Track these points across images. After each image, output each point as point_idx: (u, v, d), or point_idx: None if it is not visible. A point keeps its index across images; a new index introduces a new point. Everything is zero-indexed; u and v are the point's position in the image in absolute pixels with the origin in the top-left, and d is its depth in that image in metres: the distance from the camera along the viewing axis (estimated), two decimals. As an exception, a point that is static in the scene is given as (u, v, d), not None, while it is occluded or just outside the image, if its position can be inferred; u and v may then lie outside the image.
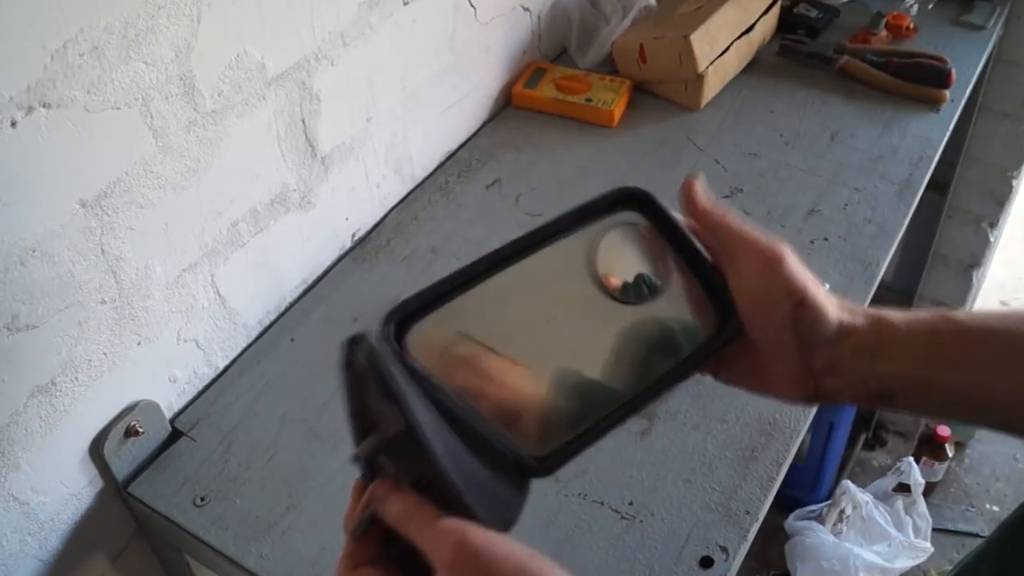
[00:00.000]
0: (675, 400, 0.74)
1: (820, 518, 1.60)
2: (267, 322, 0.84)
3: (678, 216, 0.45)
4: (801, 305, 0.42)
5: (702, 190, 0.45)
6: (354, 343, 0.38)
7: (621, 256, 0.44)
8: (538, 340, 0.44)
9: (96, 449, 0.69)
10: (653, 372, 0.44)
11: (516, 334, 0.43)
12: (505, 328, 0.43)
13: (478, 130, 1.05)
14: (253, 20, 0.70)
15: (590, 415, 0.42)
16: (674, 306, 0.45)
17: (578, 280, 0.44)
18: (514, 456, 0.41)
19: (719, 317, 0.44)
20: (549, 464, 0.41)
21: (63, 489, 0.68)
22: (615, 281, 0.44)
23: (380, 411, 0.38)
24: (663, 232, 0.45)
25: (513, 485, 0.41)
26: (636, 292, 0.44)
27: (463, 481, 0.38)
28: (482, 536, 0.37)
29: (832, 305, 0.43)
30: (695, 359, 0.44)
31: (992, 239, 1.53)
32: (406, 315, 0.41)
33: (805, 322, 0.42)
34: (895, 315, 0.43)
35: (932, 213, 1.48)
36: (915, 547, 1.53)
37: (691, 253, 0.44)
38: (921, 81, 1.03)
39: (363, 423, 0.39)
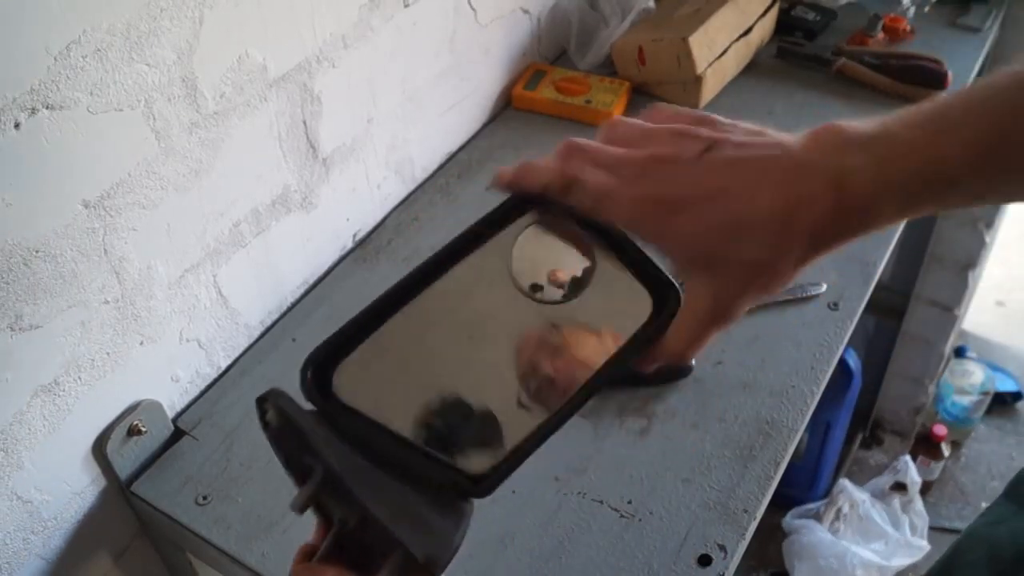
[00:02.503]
0: (674, 400, 0.74)
1: (818, 516, 1.60)
2: (269, 322, 0.84)
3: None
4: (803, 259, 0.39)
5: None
6: (262, 402, 0.39)
7: (538, 256, 0.43)
8: (467, 357, 0.43)
9: (99, 448, 0.69)
10: (588, 369, 0.41)
11: (445, 355, 0.43)
12: (432, 351, 0.43)
13: (478, 131, 1.06)
14: (255, 22, 0.70)
15: (528, 425, 0.41)
16: (603, 295, 0.42)
17: (500, 289, 0.42)
18: (449, 482, 0.40)
19: (654, 296, 0.41)
20: (486, 485, 0.40)
21: (66, 488, 0.68)
22: (537, 282, 0.42)
23: (306, 461, 0.39)
24: (574, 223, 0.42)
25: (454, 508, 0.41)
26: (560, 289, 0.42)
27: (394, 516, 0.38)
28: None
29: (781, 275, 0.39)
30: (636, 346, 0.41)
31: (988, 240, 1.53)
32: (327, 356, 0.41)
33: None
34: (875, 167, 0.38)
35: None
36: (912, 545, 1.54)
37: (608, 236, 0.42)
38: (918, 83, 1.04)
39: (297, 472, 0.41)
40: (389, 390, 0.42)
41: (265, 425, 0.40)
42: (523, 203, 0.42)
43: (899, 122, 0.38)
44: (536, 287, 0.42)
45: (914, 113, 0.38)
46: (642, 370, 0.43)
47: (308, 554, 0.41)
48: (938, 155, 0.37)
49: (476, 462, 0.41)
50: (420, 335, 0.43)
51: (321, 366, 0.41)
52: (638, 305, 0.42)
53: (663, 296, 0.41)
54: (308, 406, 0.41)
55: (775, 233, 0.37)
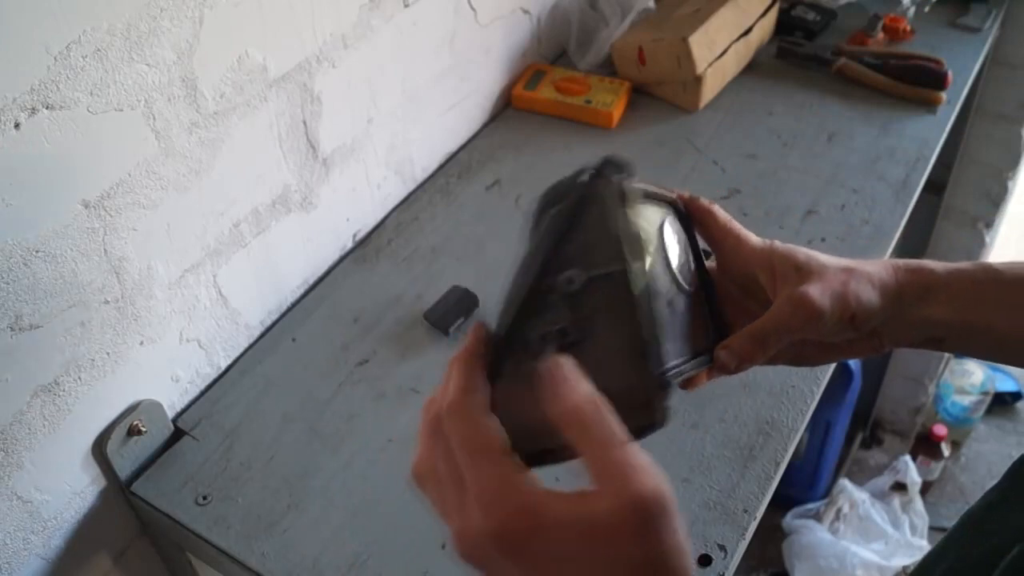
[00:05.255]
0: (673, 400, 0.74)
1: (818, 516, 1.60)
2: (269, 322, 0.84)
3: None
4: (853, 319, 0.44)
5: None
6: (605, 169, 0.37)
7: (679, 243, 0.45)
8: None
9: (99, 448, 0.69)
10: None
11: None
12: None
13: (478, 131, 1.06)
14: (255, 22, 0.70)
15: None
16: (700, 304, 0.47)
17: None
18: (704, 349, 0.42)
19: (714, 336, 0.46)
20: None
21: (66, 488, 0.68)
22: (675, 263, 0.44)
23: (588, 249, 0.36)
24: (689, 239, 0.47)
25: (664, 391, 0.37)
26: (685, 278, 0.45)
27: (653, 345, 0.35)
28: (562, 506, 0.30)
29: (872, 291, 0.44)
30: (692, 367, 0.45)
31: (988, 239, 1.53)
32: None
33: (858, 320, 0.45)
34: (936, 265, 0.45)
35: (928, 214, 1.48)
36: (912, 545, 1.54)
37: (701, 268, 0.47)
38: (918, 83, 1.04)
39: (546, 261, 0.36)
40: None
41: (588, 188, 0.37)
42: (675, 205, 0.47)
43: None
44: (676, 262, 0.44)
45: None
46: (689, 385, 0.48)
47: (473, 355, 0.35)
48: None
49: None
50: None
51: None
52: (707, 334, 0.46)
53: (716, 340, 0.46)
54: None
55: None
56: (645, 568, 0.30)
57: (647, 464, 0.31)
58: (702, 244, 0.49)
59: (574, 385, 0.32)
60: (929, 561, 0.47)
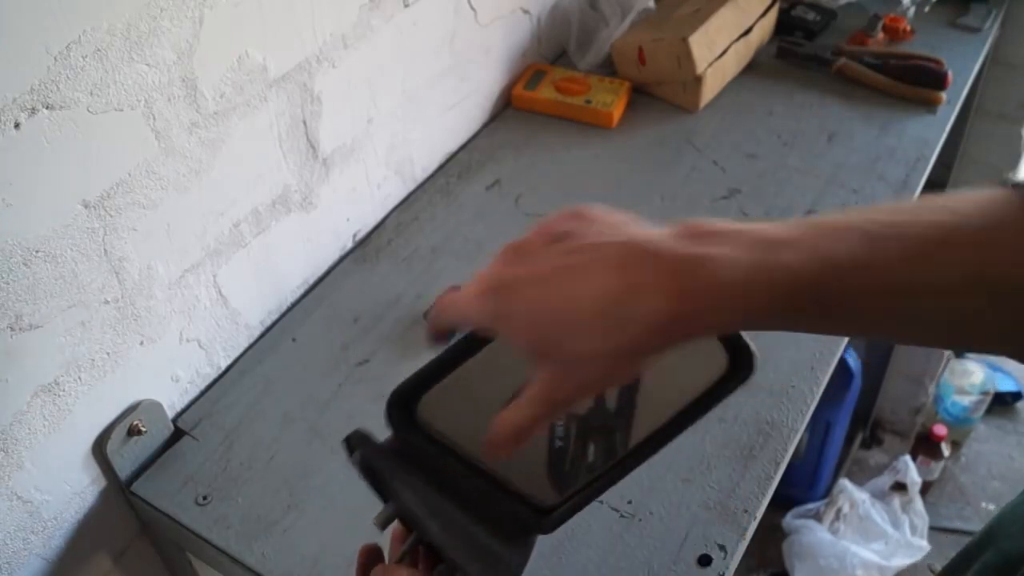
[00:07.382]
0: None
1: (818, 516, 1.61)
2: (269, 322, 0.84)
3: None
4: None
5: None
6: (347, 443, 0.43)
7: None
8: None
9: (99, 448, 0.69)
10: (660, 418, 0.43)
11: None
12: (510, 387, 0.42)
13: (478, 131, 1.06)
14: (255, 22, 0.70)
15: (596, 467, 0.44)
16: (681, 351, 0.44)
17: None
18: (515, 516, 0.43)
19: (730, 357, 0.44)
20: (550, 522, 0.43)
21: (66, 488, 0.68)
22: None
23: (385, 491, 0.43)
24: None
25: (520, 541, 0.44)
26: None
27: (461, 547, 0.41)
28: None
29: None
30: (707, 401, 0.43)
31: (988, 239, 1.53)
32: (412, 389, 0.44)
33: None
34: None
35: (929, 213, 1.48)
36: (912, 545, 1.54)
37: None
38: (918, 83, 1.04)
39: (381, 495, 0.44)
40: (468, 422, 0.44)
41: (350, 457, 0.43)
42: None
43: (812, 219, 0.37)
44: None
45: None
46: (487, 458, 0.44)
47: (371, 552, 0.44)
48: (830, 253, 0.34)
49: (543, 497, 0.44)
50: (498, 373, 0.44)
51: (406, 398, 0.45)
52: (714, 364, 0.44)
53: (739, 359, 0.43)
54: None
55: (600, 325, 0.34)
56: None
57: None
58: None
59: None
60: (971, 551, 0.46)
